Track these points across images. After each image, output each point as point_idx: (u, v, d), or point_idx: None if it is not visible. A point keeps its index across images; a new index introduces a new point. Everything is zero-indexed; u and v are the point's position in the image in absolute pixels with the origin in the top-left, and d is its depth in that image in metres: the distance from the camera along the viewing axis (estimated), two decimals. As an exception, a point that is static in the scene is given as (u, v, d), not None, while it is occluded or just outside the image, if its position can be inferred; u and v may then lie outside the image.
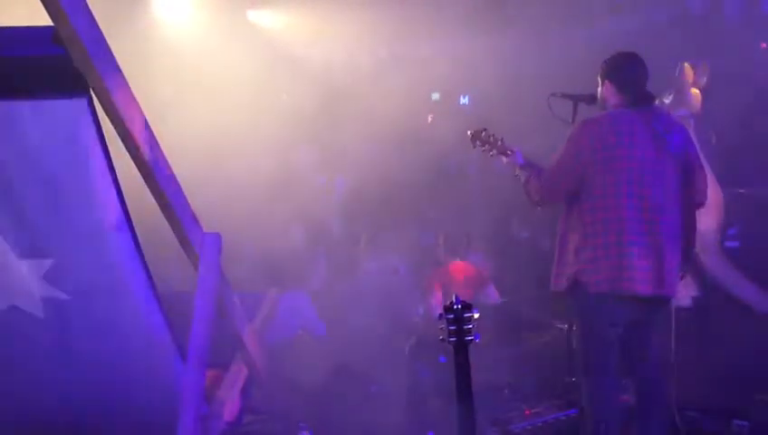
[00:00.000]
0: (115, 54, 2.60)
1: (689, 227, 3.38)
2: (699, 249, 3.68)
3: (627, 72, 3.36)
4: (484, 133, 3.67)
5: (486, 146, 3.65)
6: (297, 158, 6.21)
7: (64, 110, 2.59)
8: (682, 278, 3.43)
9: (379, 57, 7.28)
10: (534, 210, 3.75)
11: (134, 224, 2.85)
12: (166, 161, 2.91)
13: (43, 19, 2.43)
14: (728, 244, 4.95)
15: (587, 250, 3.20)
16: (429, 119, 7.59)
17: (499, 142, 3.63)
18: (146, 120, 2.77)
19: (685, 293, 3.71)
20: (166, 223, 3.05)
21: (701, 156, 3.57)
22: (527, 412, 4.31)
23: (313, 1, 6.81)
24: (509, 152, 3.58)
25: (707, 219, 4.31)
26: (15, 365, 3.17)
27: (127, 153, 2.79)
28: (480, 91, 7.22)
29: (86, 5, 2.46)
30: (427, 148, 6.14)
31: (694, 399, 4.11)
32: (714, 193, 4.21)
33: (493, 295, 5.38)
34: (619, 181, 3.21)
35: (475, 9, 6.50)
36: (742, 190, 4.99)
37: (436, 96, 7.80)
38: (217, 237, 3.22)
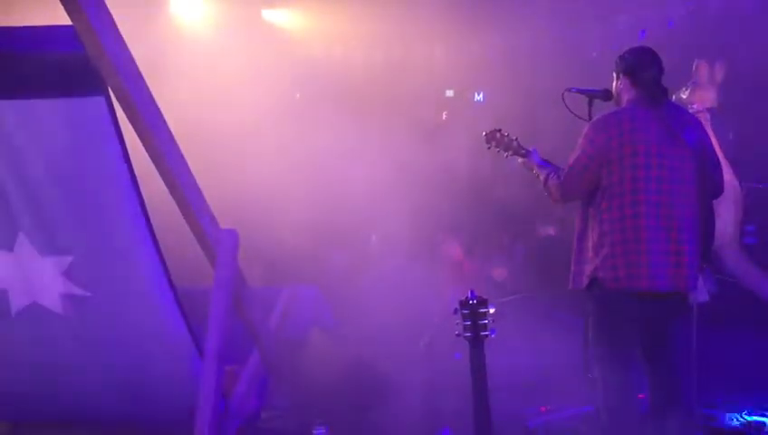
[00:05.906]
0: (132, 53, 2.62)
1: (707, 222, 3.35)
2: (717, 244, 3.64)
3: (642, 67, 3.32)
4: (498, 134, 3.63)
5: (501, 147, 3.62)
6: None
7: (82, 108, 2.62)
8: (700, 273, 3.41)
9: (394, 55, 7.29)
10: (556, 207, 3.71)
11: (151, 220, 2.88)
12: (183, 158, 2.93)
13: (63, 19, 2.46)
14: (746, 240, 4.90)
15: (605, 247, 3.18)
16: (444, 116, 7.59)
17: (514, 142, 3.59)
18: (163, 118, 2.79)
19: (702, 288, 3.68)
20: (183, 219, 3.08)
21: (717, 150, 3.53)
22: (543, 409, 4.30)
23: (328, 1, 6.82)
24: (524, 152, 3.56)
25: (725, 214, 4.28)
26: (35, 361, 3.21)
27: (144, 150, 2.81)
28: (495, 88, 7.21)
29: (104, 5, 2.48)
30: (442, 144, 6.13)
31: (713, 396, 4.07)
32: (731, 188, 4.17)
33: None
34: (636, 177, 3.18)
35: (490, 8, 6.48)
36: (761, 186, 4.94)
37: (450, 93, 7.79)
38: (234, 234, 3.24)
